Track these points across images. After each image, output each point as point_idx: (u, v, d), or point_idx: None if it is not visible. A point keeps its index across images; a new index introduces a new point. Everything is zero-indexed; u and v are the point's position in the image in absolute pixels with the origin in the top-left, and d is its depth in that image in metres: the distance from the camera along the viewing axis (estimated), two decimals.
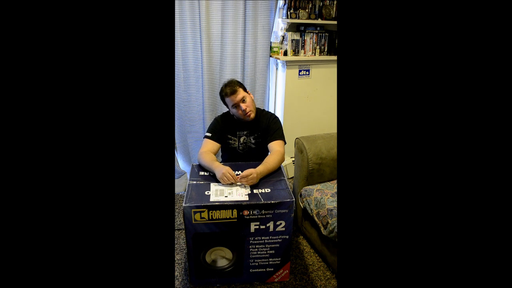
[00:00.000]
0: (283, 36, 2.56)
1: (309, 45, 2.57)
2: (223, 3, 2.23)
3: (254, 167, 1.58)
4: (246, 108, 1.70)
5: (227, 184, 1.52)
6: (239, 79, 1.82)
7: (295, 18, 2.47)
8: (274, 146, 1.73)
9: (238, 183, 1.53)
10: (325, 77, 2.66)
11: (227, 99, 1.70)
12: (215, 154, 1.74)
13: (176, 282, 1.63)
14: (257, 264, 1.56)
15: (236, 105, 1.70)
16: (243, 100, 1.70)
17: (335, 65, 2.62)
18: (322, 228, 1.65)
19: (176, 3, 2.13)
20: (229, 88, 1.69)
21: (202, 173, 1.65)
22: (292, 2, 2.46)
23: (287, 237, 1.51)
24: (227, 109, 1.89)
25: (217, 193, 1.46)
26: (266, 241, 1.50)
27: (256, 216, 1.43)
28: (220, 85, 2.43)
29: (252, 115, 1.74)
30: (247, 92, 1.76)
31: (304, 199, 1.81)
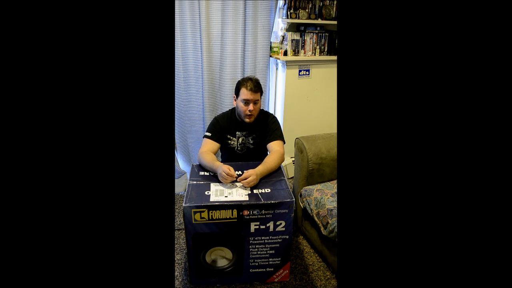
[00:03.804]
0: (283, 36, 2.56)
1: (309, 45, 2.57)
2: (223, 3, 2.23)
3: (254, 167, 1.58)
4: (252, 111, 1.71)
5: (229, 183, 1.53)
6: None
7: (295, 18, 2.47)
8: (274, 146, 1.73)
9: (238, 184, 1.53)
10: (325, 77, 2.66)
11: (244, 90, 1.69)
12: (215, 153, 1.74)
13: (176, 282, 1.63)
14: (257, 264, 1.56)
15: (246, 102, 1.70)
16: (254, 102, 1.70)
17: (335, 65, 2.61)
18: (322, 228, 1.65)
19: (176, 3, 2.13)
20: (253, 85, 1.68)
21: (202, 173, 1.65)
22: (292, 2, 2.46)
23: (287, 237, 1.51)
24: (227, 109, 1.89)
25: (217, 193, 1.46)
26: (266, 241, 1.50)
27: (256, 216, 1.43)
28: (220, 85, 2.45)
29: (252, 120, 1.75)
30: (260, 99, 1.77)
31: (304, 199, 1.81)
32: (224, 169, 1.51)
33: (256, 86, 1.69)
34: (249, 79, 1.72)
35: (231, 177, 1.51)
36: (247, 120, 1.74)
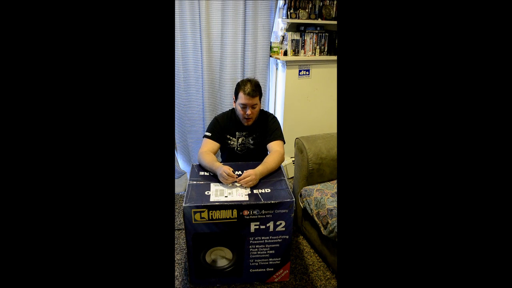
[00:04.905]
0: (283, 36, 2.56)
1: (309, 45, 2.57)
2: (223, 3, 2.23)
3: (254, 167, 1.58)
4: (250, 115, 1.70)
5: (229, 184, 1.53)
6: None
7: (295, 18, 2.47)
8: (274, 146, 1.73)
9: (237, 184, 1.53)
10: (325, 77, 2.66)
11: (242, 94, 1.67)
12: (215, 153, 1.74)
13: (176, 282, 1.63)
14: (257, 264, 1.56)
15: (244, 106, 1.69)
16: (252, 107, 1.70)
17: (335, 65, 2.61)
18: (322, 228, 1.65)
19: (176, 3, 2.13)
20: (251, 89, 1.66)
21: (202, 173, 1.65)
22: (292, 2, 2.46)
23: (287, 237, 1.51)
24: (227, 109, 1.89)
25: (217, 193, 1.46)
26: (266, 241, 1.50)
27: (256, 216, 1.43)
28: (220, 85, 2.44)
29: (250, 123, 1.75)
30: (260, 101, 1.76)
31: (304, 199, 1.81)
32: (225, 169, 1.51)
33: (255, 90, 1.68)
34: (248, 81, 1.71)
35: (231, 177, 1.51)
36: (245, 123, 1.74)
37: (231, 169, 1.53)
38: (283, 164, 1.75)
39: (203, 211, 1.39)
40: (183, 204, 1.37)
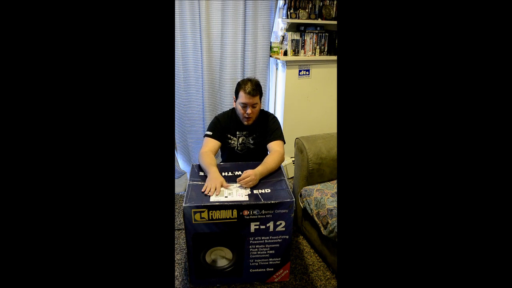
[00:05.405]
0: (283, 36, 2.56)
1: (309, 45, 2.57)
2: (223, 3, 2.23)
3: (254, 167, 1.58)
4: (251, 114, 1.71)
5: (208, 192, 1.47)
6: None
7: (295, 18, 2.47)
8: (274, 146, 1.74)
9: (237, 184, 1.53)
10: (325, 77, 2.66)
11: (242, 93, 1.67)
12: (216, 152, 1.74)
13: (176, 282, 1.63)
14: (257, 264, 1.56)
15: (245, 105, 1.69)
16: (253, 106, 1.70)
17: (335, 65, 2.61)
18: (322, 228, 1.65)
19: (176, 3, 2.13)
20: (252, 88, 1.66)
21: (202, 173, 1.65)
22: (292, 2, 2.46)
23: (287, 237, 1.51)
24: (227, 109, 1.89)
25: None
26: (266, 241, 1.50)
27: (256, 216, 1.43)
28: (220, 85, 2.45)
29: (250, 122, 1.75)
30: (260, 101, 1.76)
31: (304, 199, 1.81)
32: (210, 184, 1.47)
33: (255, 89, 1.68)
34: (249, 80, 1.71)
35: (214, 191, 1.46)
36: (245, 123, 1.74)
37: (221, 184, 1.49)
38: (283, 164, 1.75)
39: (203, 211, 1.39)
40: (183, 204, 1.37)
